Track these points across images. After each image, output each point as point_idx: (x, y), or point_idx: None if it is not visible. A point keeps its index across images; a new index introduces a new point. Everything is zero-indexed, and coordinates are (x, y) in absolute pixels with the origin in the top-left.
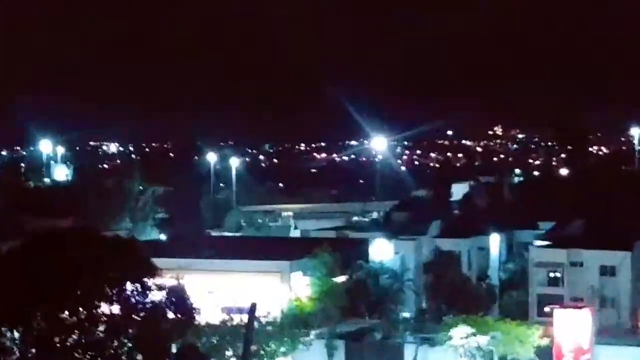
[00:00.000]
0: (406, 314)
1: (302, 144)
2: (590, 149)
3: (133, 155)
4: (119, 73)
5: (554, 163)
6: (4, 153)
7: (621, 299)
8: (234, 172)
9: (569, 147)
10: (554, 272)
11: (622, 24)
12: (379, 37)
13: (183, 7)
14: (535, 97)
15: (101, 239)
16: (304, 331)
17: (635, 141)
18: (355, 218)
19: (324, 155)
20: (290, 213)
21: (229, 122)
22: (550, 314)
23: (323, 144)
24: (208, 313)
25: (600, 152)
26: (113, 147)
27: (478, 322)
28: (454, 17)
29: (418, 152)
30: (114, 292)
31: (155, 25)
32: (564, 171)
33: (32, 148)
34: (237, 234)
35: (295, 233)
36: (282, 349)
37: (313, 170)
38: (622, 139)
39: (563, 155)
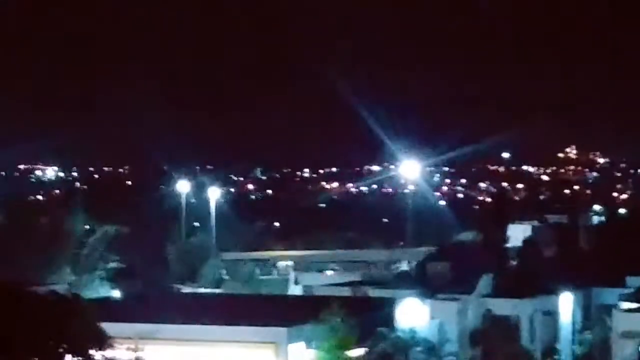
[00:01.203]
0: None
1: (306, 170)
2: None
3: (77, 183)
4: (60, 74)
5: None
6: None
7: None
8: (213, 207)
9: None
10: None
11: None
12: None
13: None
14: (624, 110)
15: (33, 296)
16: None
17: None
18: (377, 270)
19: (335, 184)
20: (290, 263)
21: (207, 139)
22: None
23: (334, 170)
24: None
25: None
26: (50, 172)
27: None
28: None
29: (463, 181)
30: None
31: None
32: None
33: None
34: (218, 291)
35: (295, 290)
36: None
37: (321, 205)
38: None
39: None
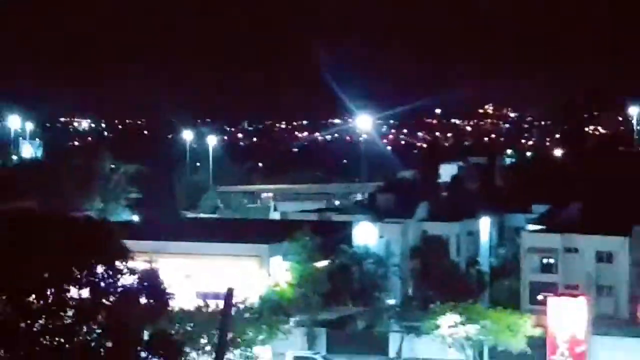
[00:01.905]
0: (391, 302)
1: (283, 122)
2: (587, 128)
3: (105, 133)
4: (92, 48)
5: (547, 143)
6: None
7: (619, 287)
8: (210, 151)
9: (565, 126)
10: (548, 258)
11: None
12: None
13: None
14: (529, 72)
15: (70, 219)
16: (283, 318)
17: (634, 121)
18: (338, 200)
19: (305, 134)
20: (270, 194)
21: (205, 98)
22: (543, 303)
23: (305, 122)
24: (182, 299)
25: (597, 132)
26: (85, 124)
27: (467, 311)
28: None
29: (405, 131)
30: (83, 275)
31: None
32: (558, 152)
33: None
34: (214, 216)
35: (275, 215)
36: (260, 337)
37: (294, 150)
38: (620, 118)
39: (558, 136)
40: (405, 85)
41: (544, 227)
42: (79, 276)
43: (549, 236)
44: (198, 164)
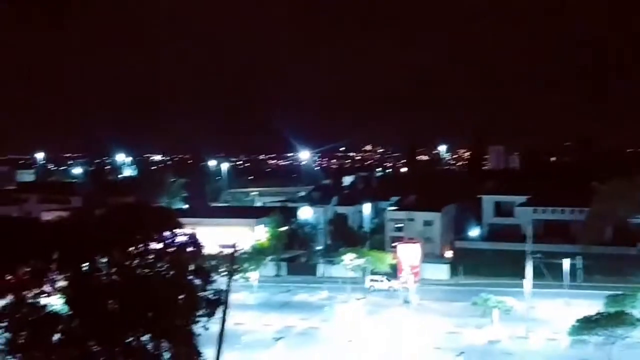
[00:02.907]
0: (319, 247)
1: (262, 155)
2: (418, 157)
3: (169, 162)
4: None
5: (398, 165)
6: (95, 161)
7: (435, 239)
8: (225, 171)
9: (406, 156)
10: (399, 223)
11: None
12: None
13: None
14: (389, 124)
15: (152, 207)
16: (263, 257)
17: (441, 153)
18: (291, 195)
19: (274, 161)
20: (256, 193)
21: (221, 142)
22: (396, 246)
23: (273, 155)
24: (210, 248)
25: (423, 159)
26: (157, 157)
27: (358, 251)
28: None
29: (325, 159)
30: (158, 236)
31: None
32: (404, 169)
33: (111, 158)
34: (226, 204)
35: (258, 203)
36: (252, 267)
37: (268, 170)
38: (434, 152)
39: (403, 161)
40: (324, 135)
41: (397, 207)
42: (155, 236)
43: (399, 212)
44: (218, 178)
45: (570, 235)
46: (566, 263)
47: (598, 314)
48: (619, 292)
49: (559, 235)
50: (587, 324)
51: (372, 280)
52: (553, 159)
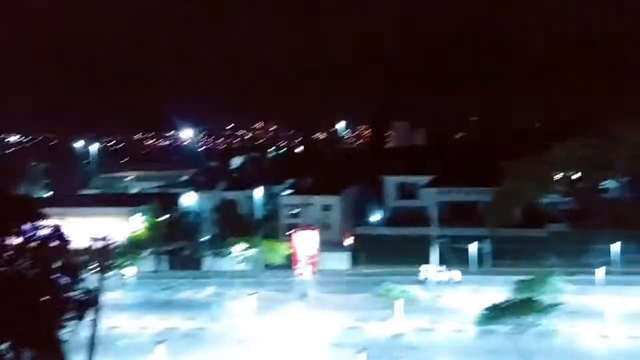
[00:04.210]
0: (205, 238)
1: (139, 134)
2: (315, 135)
3: (29, 143)
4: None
5: (293, 144)
6: None
7: (334, 225)
8: (95, 153)
9: (302, 135)
10: (294, 209)
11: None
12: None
13: None
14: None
15: (8, 196)
16: (140, 251)
17: (340, 131)
18: (173, 180)
19: (152, 142)
20: (132, 178)
21: (90, 119)
22: (292, 235)
23: (151, 134)
24: (78, 242)
25: (320, 137)
26: (14, 138)
27: (249, 241)
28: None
29: (211, 138)
30: (16, 229)
31: None
32: (299, 149)
33: None
34: (97, 192)
35: (134, 191)
36: (127, 262)
37: (145, 152)
38: (332, 129)
39: (299, 140)
40: (209, 111)
41: (292, 191)
42: (15, 230)
43: (295, 197)
44: (87, 161)
45: (478, 217)
46: (473, 247)
47: (506, 301)
48: (528, 277)
49: (466, 217)
50: (495, 313)
51: (426, 270)
52: (460, 134)
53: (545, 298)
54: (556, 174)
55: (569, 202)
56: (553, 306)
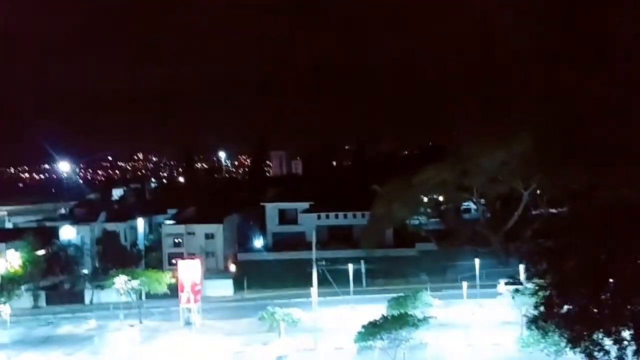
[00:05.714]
0: (85, 271)
1: (12, 168)
2: (196, 165)
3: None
4: None
5: (175, 174)
6: None
7: (217, 253)
8: None
9: (183, 164)
10: (177, 238)
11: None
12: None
13: None
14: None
15: None
16: (16, 287)
17: (222, 160)
18: (51, 213)
19: (27, 174)
20: (5, 212)
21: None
22: (175, 264)
23: (26, 168)
24: None
25: (201, 166)
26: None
27: (131, 273)
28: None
29: (90, 170)
30: None
31: None
32: (181, 178)
33: None
34: None
35: (9, 225)
36: (2, 300)
37: (20, 185)
38: (215, 158)
39: (181, 170)
40: (87, 143)
41: (175, 221)
42: None
43: (178, 226)
44: None
45: (354, 239)
46: (350, 268)
47: (382, 317)
48: (401, 294)
49: (343, 240)
50: (371, 329)
51: (506, 283)
52: (334, 163)
53: (417, 313)
54: (423, 197)
55: (435, 223)
56: (424, 320)
